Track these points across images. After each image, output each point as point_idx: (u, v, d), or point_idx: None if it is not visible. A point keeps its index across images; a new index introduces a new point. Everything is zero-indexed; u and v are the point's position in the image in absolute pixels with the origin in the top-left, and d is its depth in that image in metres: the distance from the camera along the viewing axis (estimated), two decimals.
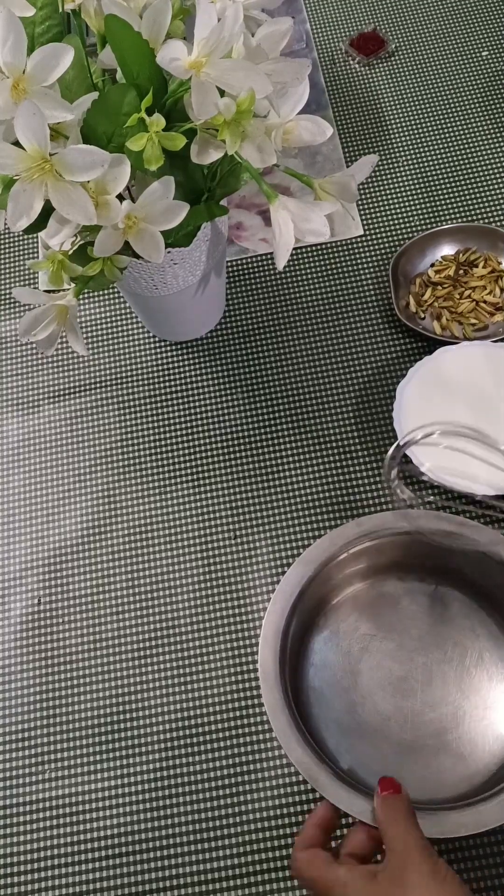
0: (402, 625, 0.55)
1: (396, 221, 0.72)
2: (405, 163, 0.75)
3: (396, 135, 0.77)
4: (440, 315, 0.66)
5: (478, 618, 0.54)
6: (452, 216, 0.72)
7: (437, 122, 0.77)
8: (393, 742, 0.51)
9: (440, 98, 0.78)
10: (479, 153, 0.74)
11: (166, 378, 0.67)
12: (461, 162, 0.74)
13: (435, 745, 0.51)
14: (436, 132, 0.76)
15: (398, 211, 0.73)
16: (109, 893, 0.50)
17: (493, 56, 0.80)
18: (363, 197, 0.73)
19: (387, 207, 0.73)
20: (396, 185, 0.74)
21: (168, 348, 0.69)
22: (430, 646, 0.54)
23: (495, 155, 0.74)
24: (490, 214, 0.71)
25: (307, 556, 0.52)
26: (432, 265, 0.69)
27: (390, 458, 0.56)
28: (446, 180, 0.73)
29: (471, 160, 0.74)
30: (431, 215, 0.72)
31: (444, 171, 0.74)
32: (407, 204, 0.73)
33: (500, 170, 0.73)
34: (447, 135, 0.76)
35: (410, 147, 0.76)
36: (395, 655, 0.54)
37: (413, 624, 0.55)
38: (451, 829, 0.43)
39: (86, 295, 0.72)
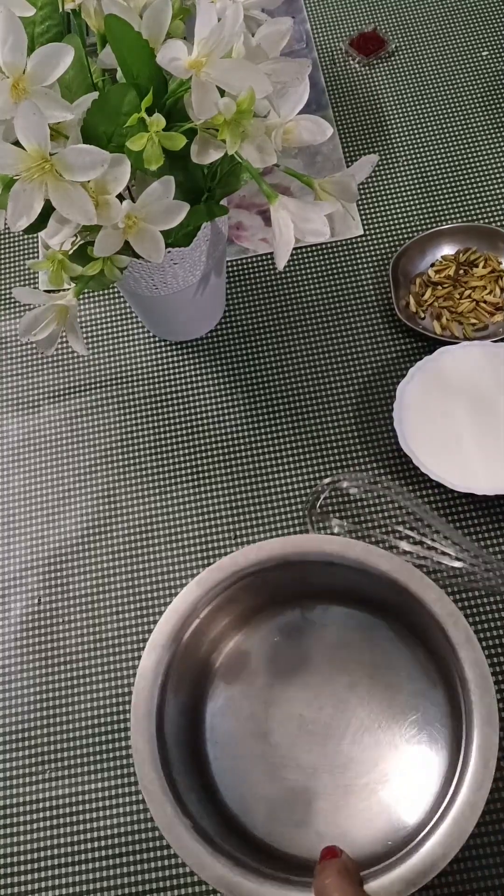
0: (297, 662, 0.50)
1: (396, 221, 0.72)
2: (405, 163, 0.75)
3: (396, 135, 0.77)
4: (440, 315, 0.66)
5: (369, 626, 0.50)
6: (452, 216, 0.72)
7: (437, 122, 0.77)
8: (328, 795, 0.47)
9: (440, 98, 0.78)
10: (479, 153, 0.74)
11: (166, 378, 0.67)
12: (461, 162, 0.74)
13: (372, 780, 0.47)
14: (436, 132, 0.76)
15: (398, 211, 0.73)
16: (109, 893, 0.50)
17: (493, 56, 0.80)
18: (363, 197, 0.73)
19: (387, 207, 0.73)
20: (396, 185, 0.74)
21: (168, 348, 0.69)
22: (334, 672, 0.50)
23: (495, 155, 0.74)
24: (490, 214, 0.72)
25: (155, 640, 0.46)
26: (432, 265, 0.69)
27: (313, 497, 0.56)
28: (446, 180, 0.73)
29: (471, 160, 0.74)
30: (431, 215, 0.72)
31: (444, 171, 0.74)
32: (407, 204, 0.73)
33: (500, 170, 0.73)
34: (447, 135, 0.76)
35: (410, 147, 0.76)
36: (300, 697, 0.49)
37: (308, 657, 0.50)
38: (403, 888, 0.39)
39: (86, 295, 0.72)
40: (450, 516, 0.59)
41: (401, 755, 0.48)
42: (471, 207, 0.72)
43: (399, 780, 0.47)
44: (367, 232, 0.72)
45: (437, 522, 0.56)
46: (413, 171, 0.74)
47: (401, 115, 0.78)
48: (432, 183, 0.74)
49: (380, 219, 0.72)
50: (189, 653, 0.48)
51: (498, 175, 0.73)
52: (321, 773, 0.48)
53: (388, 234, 0.72)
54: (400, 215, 0.72)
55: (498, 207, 0.72)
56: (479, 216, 0.72)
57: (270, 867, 0.43)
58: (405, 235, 0.71)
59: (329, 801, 0.47)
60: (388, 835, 0.45)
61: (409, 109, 0.78)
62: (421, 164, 0.75)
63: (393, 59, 0.81)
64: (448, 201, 0.72)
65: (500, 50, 0.80)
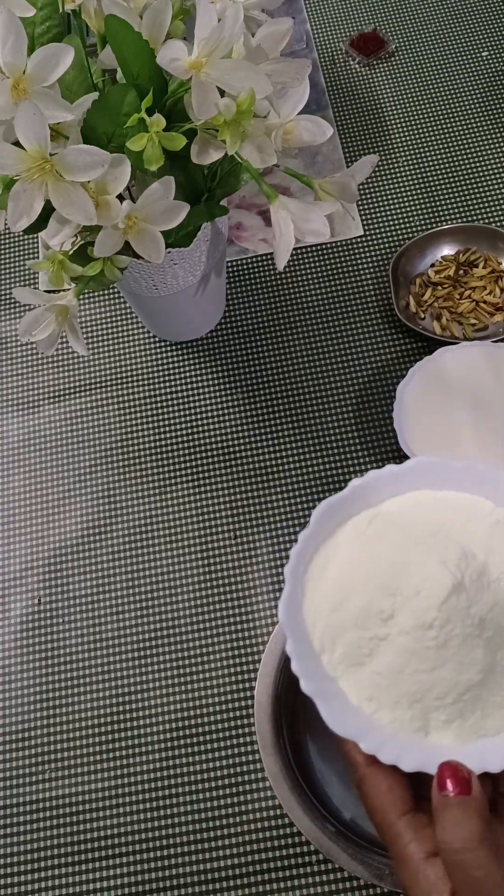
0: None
1: (396, 221, 0.72)
2: (405, 163, 0.75)
3: (396, 135, 0.77)
4: (440, 315, 0.66)
5: None
6: (452, 216, 0.72)
7: (437, 122, 0.77)
8: None
9: (440, 98, 0.78)
10: (479, 153, 0.74)
11: (166, 378, 0.67)
12: (461, 162, 0.74)
13: None
14: (436, 132, 0.76)
15: (398, 211, 0.73)
16: (109, 893, 0.50)
17: (493, 56, 0.80)
18: (363, 197, 0.73)
19: (387, 207, 0.73)
20: (396, 185, 0.74)
21: (168, 348, 0.69)
22: None
23: (495, 155, 0.74)
24: (490, 214, 0.72)
25: None
26: (432, 265, 0.69)
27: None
28: (446, 180, 0.73)
29: (471, 160, 0.74)
30: (431, 215, 0.72)
31: (444, 171, 0.74)
32: (407, 204, 0.73)
33: (500, 170, 0.73)
34: (447, 135, 0.76)
35: (410, 147, 0.76)
36: None
37: None
38: None
39: (86, 295, 0.72)
40: None
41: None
42: (471, 207, 0.72)
43: None
44: (367, 232, 0.72)
45: None
46: (413, 171, 0.74)
47: (401, 115, 0.78)
48: (432, 183, 0.74)
49: (380, 219, 0.72)
50: None
51: (498, 175, 0.73)
52: None
53: (388, 234, 0.72)
54: (400, 215, 0.72)
55: (498, 207, 0.72)
56: (479, 216, 0.72)
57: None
58: (405, 235, 0.71)
59: None
60: None
61: (409, 109, 0.78)
62: (421, 164, 0.75)
63: (393, 59, 0.81)
64: (448, 201, 0.73)
65: (500, 50, 0.80)
